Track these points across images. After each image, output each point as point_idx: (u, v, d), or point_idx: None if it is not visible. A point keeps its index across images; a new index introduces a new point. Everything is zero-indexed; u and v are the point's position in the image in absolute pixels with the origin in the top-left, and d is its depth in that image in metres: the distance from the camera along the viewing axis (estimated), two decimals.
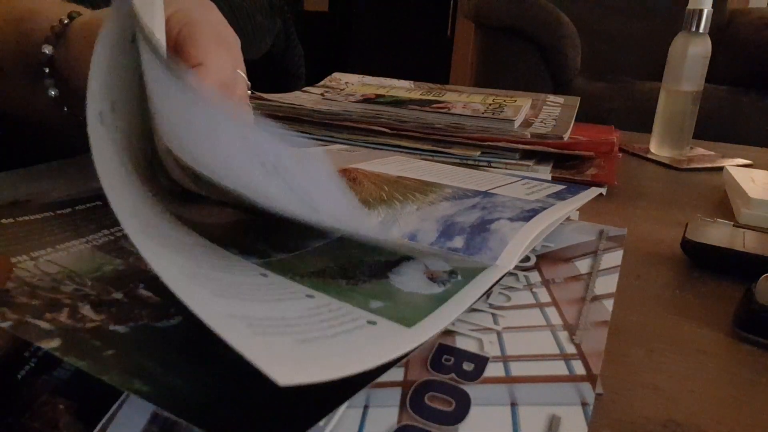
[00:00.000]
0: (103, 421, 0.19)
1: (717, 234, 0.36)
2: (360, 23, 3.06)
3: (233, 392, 0.18)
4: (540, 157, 0.56)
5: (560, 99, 0.70)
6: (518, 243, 0.28)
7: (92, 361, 0.19)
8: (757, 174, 0.52)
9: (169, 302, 0.22)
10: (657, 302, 0.31)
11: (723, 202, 0.51)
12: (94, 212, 0.32)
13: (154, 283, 0.24)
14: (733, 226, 0.38)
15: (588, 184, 0.52)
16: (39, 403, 0.20)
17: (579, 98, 0.70)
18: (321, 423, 0.18)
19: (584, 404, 0.20)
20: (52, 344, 0.20)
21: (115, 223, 0.29)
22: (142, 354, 0.20)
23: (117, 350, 0.20)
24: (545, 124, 0.60)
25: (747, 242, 0.35)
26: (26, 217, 0.30)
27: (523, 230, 0.30)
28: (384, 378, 0.21)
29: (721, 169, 0.61)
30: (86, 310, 0.22)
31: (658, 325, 0.29)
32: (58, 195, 0.35)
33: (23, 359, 0.21)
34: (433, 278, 0.26)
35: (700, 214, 0.42)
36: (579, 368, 0.22)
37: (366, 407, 0.20)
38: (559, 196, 0.36)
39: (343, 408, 0.19)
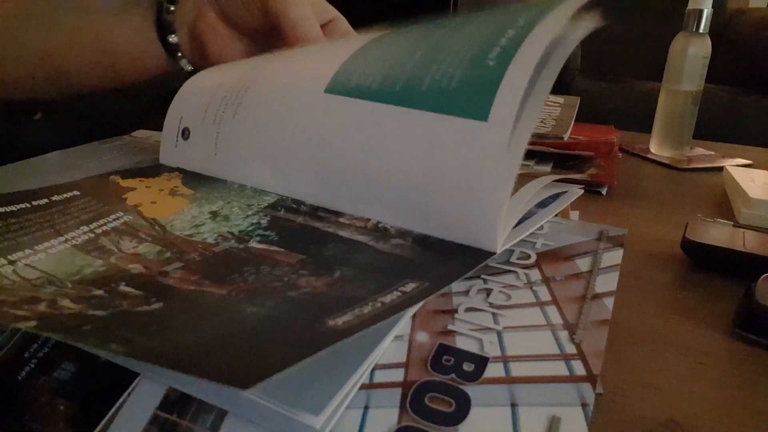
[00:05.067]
0: (103, 422, 0.19)
1: (717, 234, 0.36)
2: (360, 23, 3.06)
3: (218, 347, 0.18)
4: (540, 157, 0.56)
5: (560, 99, 0.70)
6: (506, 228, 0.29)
7: (68, 334, 0.19)
8: (757, 174, 0.52)
9: (150, 294, 0.22)
10: (657, 302, 0.31)
11: (723, 202, 0.51)
12: (72, 203, 0.31)
13: (136, 280, 0.23)
14: (733, 226, 0.38)
15: (588, 184, 0.52)
16: (39, 404, 0.20)
17: (579, 98, 0.70)
18: (319, 425, 0.18)
19: (584, 405, 0.20)
20: (28, 324, 0.19)
21: (94, 218, 0.29)
22: (120, 327, 0.20)
23: (94, 326, 0.19)
24: (545, 124, 0.60)
25: (747, 242, 0.35)
26: (1, 209, 0.29)
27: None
28: (384, 379, 0.21)
29: (721, 169, 0.61)
30: (65, 302, 0.21)
31: (658, 325, 0.29)
32: (35, 184, 0.34)
33: (23, 360, 0.21)
34: None
35: (700, 214, 0.42)
36: (579, 368, 0.22)
37: (366, 408, 0.20)
38: (541, 204, 0.36)
39: (342, 409, 0.19)
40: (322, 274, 0.24)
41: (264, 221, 0.29)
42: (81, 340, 0.18)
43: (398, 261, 0.26)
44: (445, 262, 0.26)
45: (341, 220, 0.30)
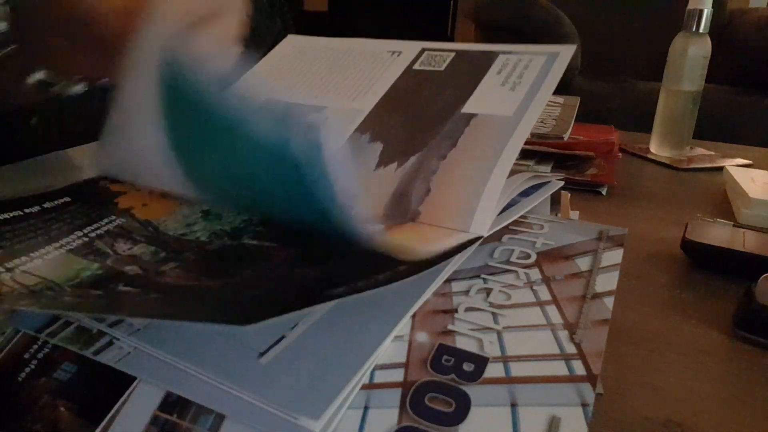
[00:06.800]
0: (104, 422, 0.19)
1: (717, 234, 0.36)
2: (360, 23, 3.06)
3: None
4: (540, 157, 0.56)
5: (560, 99, 0.70)
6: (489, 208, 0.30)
7: (63, 308, 0.19)
8: (757, 174, 0.52)
9: (149, 290, 0.22)
10: (657, 302, 0.31)
11: (723, 202, 0.51)
12: (64, 210, 0.31)
13: (134, 281, 0.24)
14: (733, 226, 0.38)
15: (588, 184, 0.52)
16: (40, 405, 0.20)
17: (579, 98, 0.70)
18: (319, 428, 0.18)
19: (584, 404, 0.20)
20: (23, 302, 0.19)
21: (87, 223, 0.30)
22: (115, 305, 0.20)
23: (88, 299, 0.20)
24: (545, 124, 0.60)
25: (747, 242, 0.35)
26: None
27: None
28: (384, 379, 0.21)
29: (721, 169, 0.61)
30: (66, 298, 0.22)
31: (658, 325, 0.29)
32: (34, 185, 0.34)
33: (23, 361, 0.21)
34: None
35: (700, 214, 0.42)
36: (579, 368, 0.22)
37: (366, 408, 0.20)
38: (524, 194, 0.37)
39: (342, 410, 0.19)
40: (316, 264, 0.24)
41: (255, 218, 0.30)
42: (80, 311, 0.18)
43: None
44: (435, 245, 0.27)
45: None
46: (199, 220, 0.30)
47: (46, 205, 0.31)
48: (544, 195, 0.37)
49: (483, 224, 0.30)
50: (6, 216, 0.29)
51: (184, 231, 0.28)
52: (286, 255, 0.25)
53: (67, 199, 0.32)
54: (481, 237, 0.29)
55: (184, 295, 0.22)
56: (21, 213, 0.30)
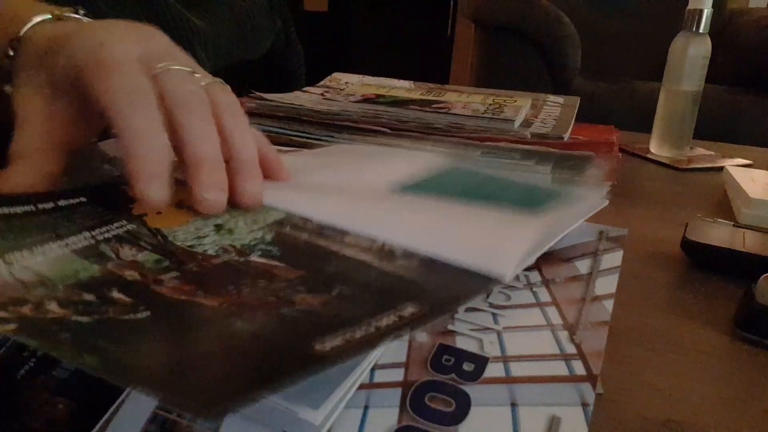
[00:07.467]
0: (103, 421, 0.19)
1: (717, 234, 0.36)
2: (360, 23, 3.06)
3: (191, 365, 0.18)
4: (540, 158, 0.56)
5: (560, 99, 0.70)
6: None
7: (45, 340, 0.18)
8: (757, 174, 0.52)
9: (140, 302, 0.22)
10: (657, 302, 0.31)
11: (723, 202, 0.51)
12: (77, 210, 0.31)
13: (129, 288, 0.23)
14: (733, 226, 0.38)
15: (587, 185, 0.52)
16: (38, 402, 0.20)
17: (579, 98, 0.70)
18: (319, 421, 0.18)
19: (584, 404, 0.20)
20: (6, 328, 0.19)
21: (97, 225, 0.29)
22: (100, 336, 0.19)
23: (74, 334, 0.19)
24: (545, 124, 0.60)
25: (747, 242, 0.35)
26: (5, 209, 0.29)
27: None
28: (384, 378, 0.21)
29: (721, 169, 0.61)
30: (52, 306, 0.21)
31: (658, 325, 0.29)
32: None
33: (22, 359, 0.21)
34: None
35: (700, 214, 0.42)
36: (579, 368, 0.22)
37: (366, 408, 0.20)
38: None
39: (341, 408, 0.19)
40: (319, 291, 0.23)
41: (268, 236, 0.29)
42: (56, 349, 0.18)
43: (400, 282, 0.25)
44: (449, 286, 0.25)
45: (347, 239, 0.29)
46: (211, 233, 0.29)
47: (61, 202, 0.31)
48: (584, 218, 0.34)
49: (507, 264, 0.25)
50: (18, 210, 0.29)
51: (193, 243, 0.28)
52: (291, 276, 0.25)
53: (83, 198, 0.32)
54: (501, 282, 0.25)
55: (171, 320, 0.21)
56: (34, 208, 0.30)
